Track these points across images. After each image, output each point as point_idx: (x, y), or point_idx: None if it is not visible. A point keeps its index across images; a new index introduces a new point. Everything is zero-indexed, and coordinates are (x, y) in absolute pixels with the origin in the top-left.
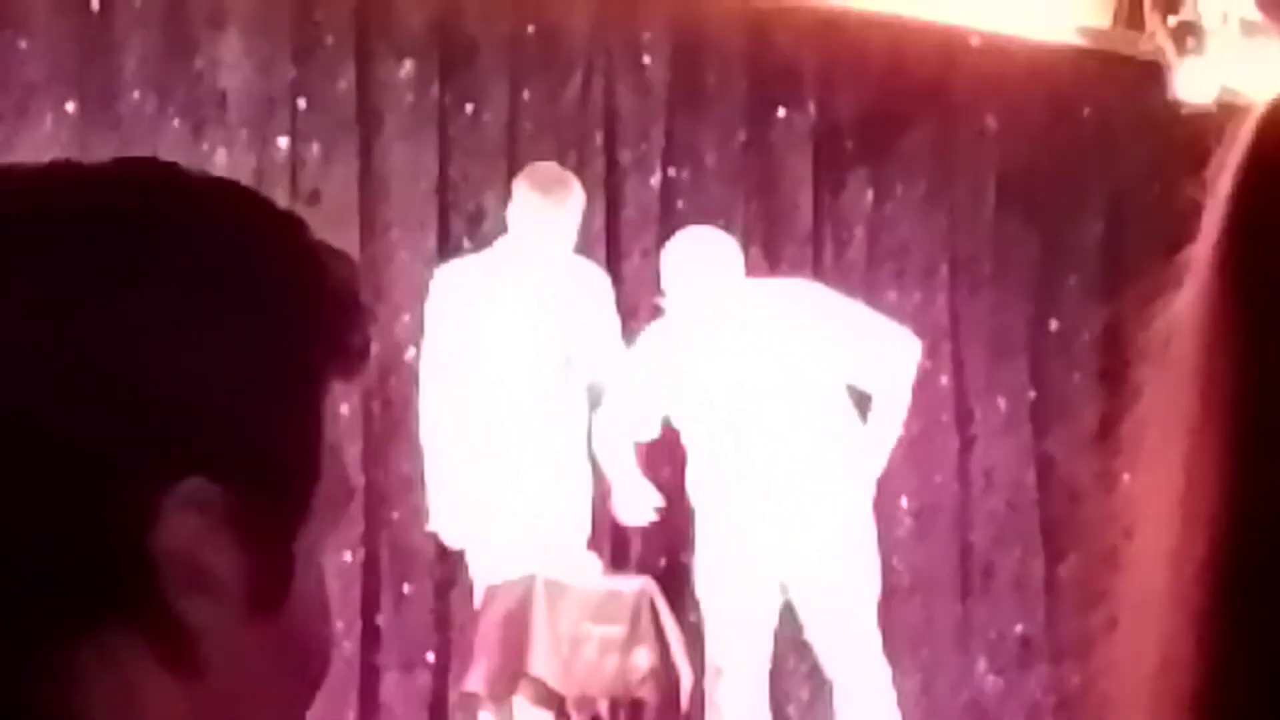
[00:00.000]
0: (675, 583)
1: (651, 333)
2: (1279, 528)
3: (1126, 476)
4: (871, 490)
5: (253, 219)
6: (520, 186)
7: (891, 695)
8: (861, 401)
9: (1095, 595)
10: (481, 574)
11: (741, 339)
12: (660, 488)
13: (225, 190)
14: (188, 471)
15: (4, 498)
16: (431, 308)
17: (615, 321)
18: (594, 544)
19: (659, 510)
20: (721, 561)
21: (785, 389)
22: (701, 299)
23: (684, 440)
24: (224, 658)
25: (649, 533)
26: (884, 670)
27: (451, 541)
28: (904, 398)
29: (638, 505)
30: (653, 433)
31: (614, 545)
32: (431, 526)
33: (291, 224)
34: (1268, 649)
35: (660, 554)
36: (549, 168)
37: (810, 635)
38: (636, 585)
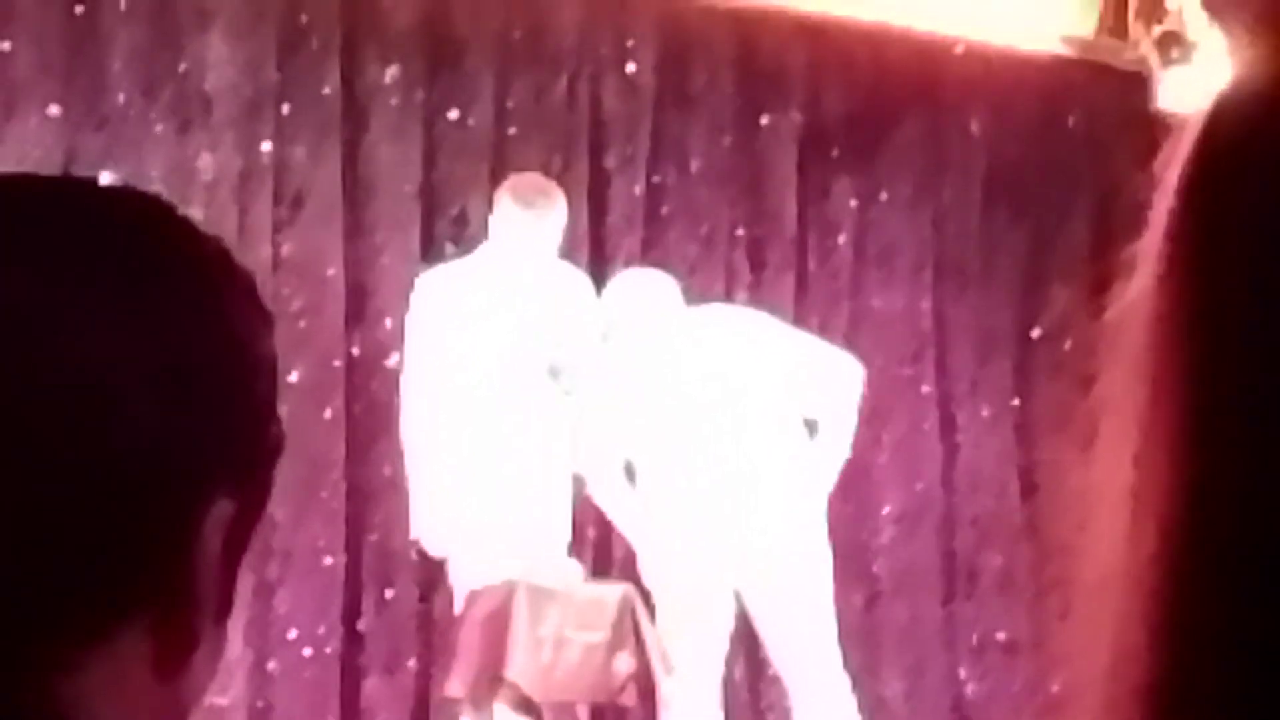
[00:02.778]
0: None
1: (604, 374)
2: (1230, 518)
3: (1079, 467)
4: (823, 505)
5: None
6: (503, 198)
7: (851, 703)
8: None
9: (1048, 586)
10: (463, 579)
11: (685, 368)
12: None
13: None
14: (223, 489)
15: (66, 494)
16: (414, 314)
17: (598, 325)
18: (576, 550)
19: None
20: (673, 563)
21: (732, 409)
22: (643, 333)
23: (638, 472)
24: (197, 665)
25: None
26: (841, 680)
27: (434, 550)
28: (849, 422)
29: (639, 530)
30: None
31: (596, 552)
32: (414, 534)
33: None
34: (1220, 639)
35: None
36: (532, 179)
37: (766, 645)
38: (618, 591)
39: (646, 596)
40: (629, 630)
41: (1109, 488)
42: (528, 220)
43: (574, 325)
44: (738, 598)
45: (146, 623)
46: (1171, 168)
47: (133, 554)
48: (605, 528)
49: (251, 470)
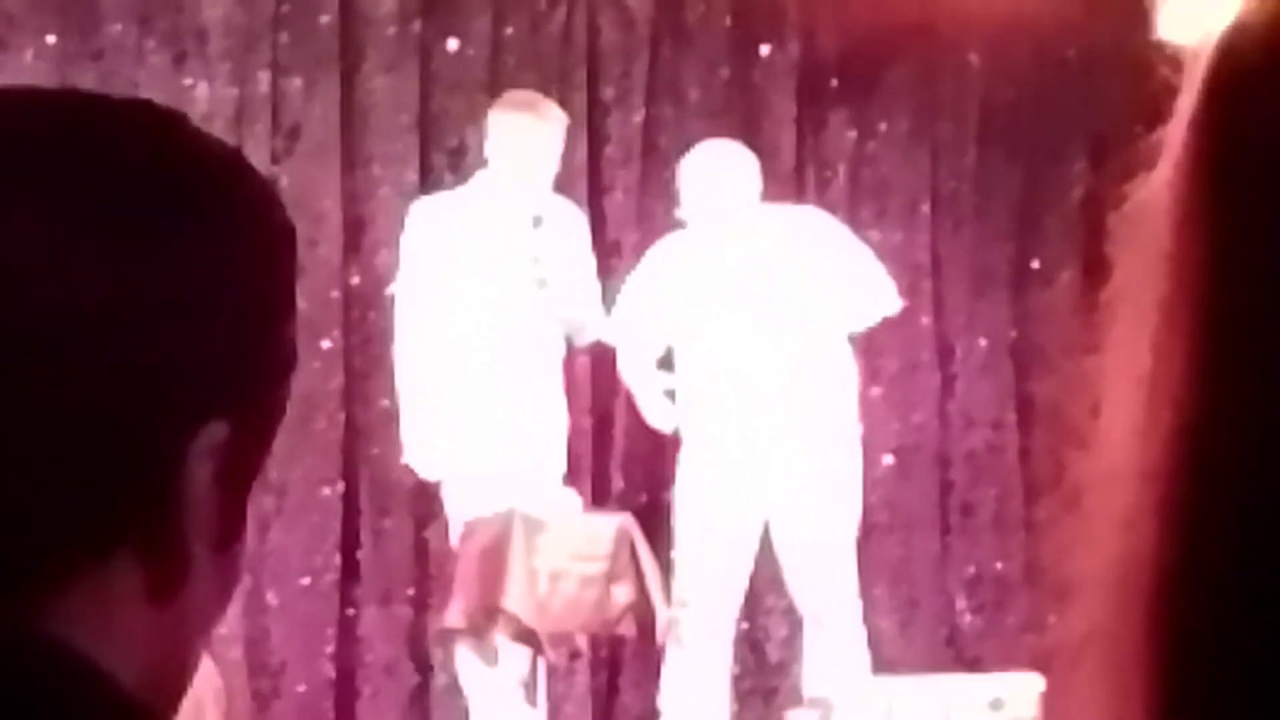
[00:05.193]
0: (654, 520)
1: (664, 246)
2: (1246, 409)
3: (1094, 354)
4: (858, 429)
5: (245, 181)
6: (498, 112)
7: (862, 633)
8: None
9: (1058, 472)
10: (458, 509)
11: (751, 264)
12: (642, 425)
13: (220, 151)
14: (212, 414)
15: (46, 420)
16: (407, 241)
17: (591, 260)
18: (573, 480)
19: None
20: (704, 493)
21: (785, 320)
22: (718, 216)
23: (678, 362)
24: (194, 593)
25: (628, 469)
26: (857, 607)
27: (426, 474)
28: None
29: (662, 414)
30: (660, 349)
31: (594, 482)
32: (406, 459)
33: (271, 189)
34: (1232, 529)
35: (640, 491)
36: (527, 94)
37: (786, 569)
38: (616, 521)
39: (643, 528)
40: (627, 561)
41: (1125, 373)
42: (526, 125)
43: (568, 256)
44: (764, 524)
45: (133, 549)
46: (1199, 55)
47: (111, 479)
48: (602, 458)
49: (248, 392)
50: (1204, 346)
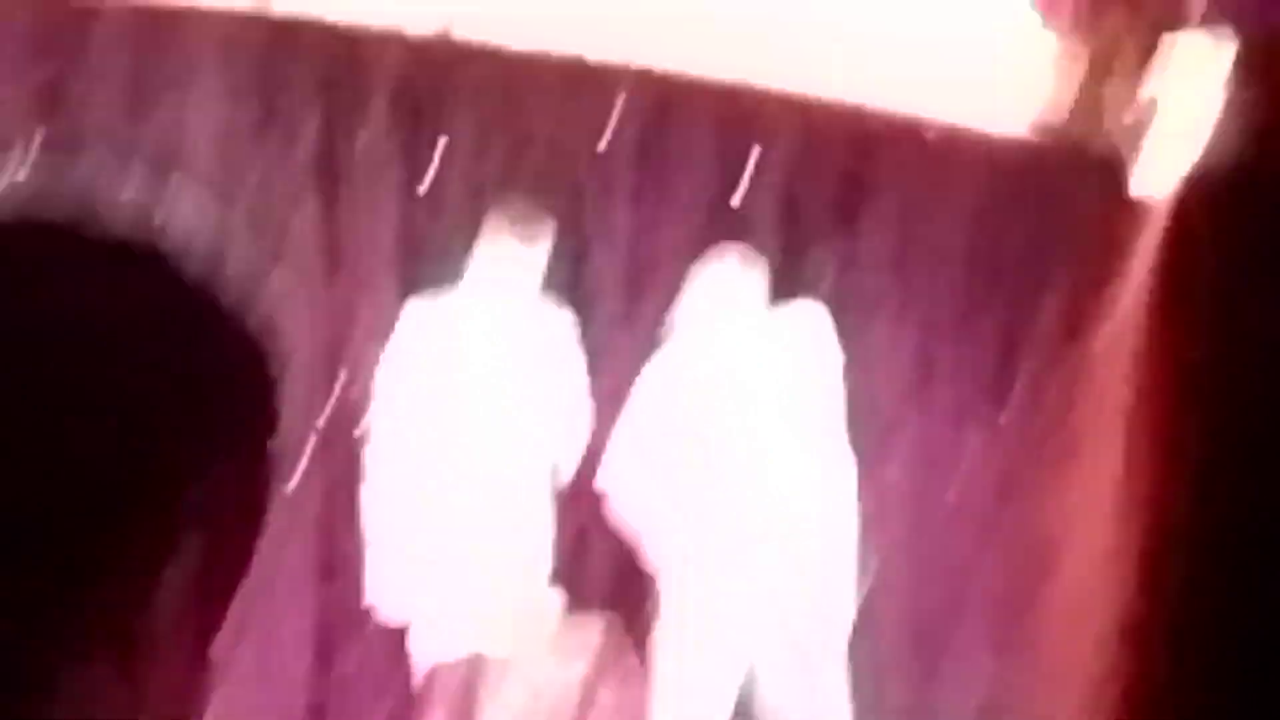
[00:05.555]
0: (636, 622)
1: (660, 361)
2: (1211, 537)
3: (1058, 482)
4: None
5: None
6: (491, 223)
7: None
8: None
9: (1027, 602)
10: (423, 649)
11: (747, 381)
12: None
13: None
14: (190, 526)
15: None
16: (392, 345)
17: (581, 361)
18: (556, 581)
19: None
20: (686, 627)
21: (781, 440)
22: (717, 332)
23: (660, 485)
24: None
25: (612, 571)
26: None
27: (391, 616)
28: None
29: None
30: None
31: (577, 584)
32: (369, 599)
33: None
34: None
35: (623, 592)
36: (521, 205)
37: (773, 682)
38: (599, 623)
39: (647, 619)
40: (612, 660)
41: (1090, 509)
42: (514, 246)
43: (556, 360)
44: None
45: (114, 652)
46: (1145, 238)
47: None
48: (586, 559)
49: (227, 509)
50: (1167, 478)
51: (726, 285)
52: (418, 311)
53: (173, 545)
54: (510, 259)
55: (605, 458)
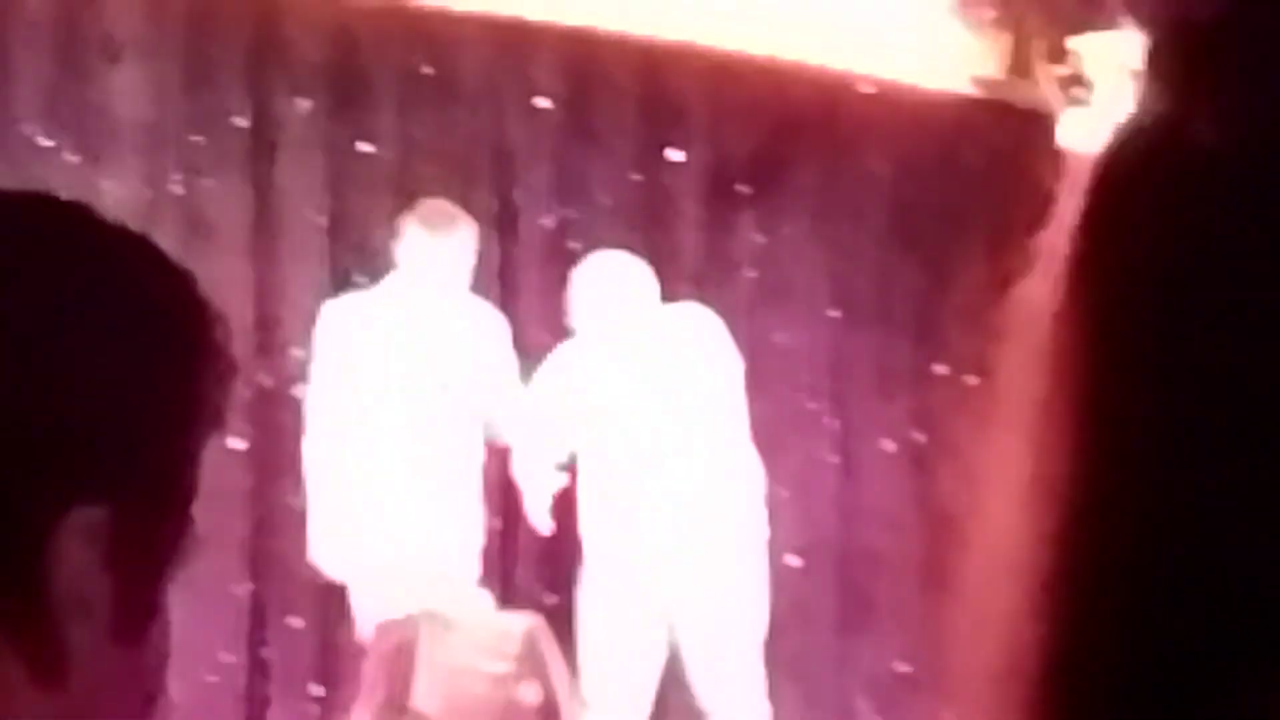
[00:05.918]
0: (564, 620)
1: (558, 356)
2: (1124, 507)
3: (976, 454)
4: (765, 531)
5: (153, 267)
6: (410, 224)
7: None
8: None
9: (945, 572)
10: (363, 608)
11: (646, 367)
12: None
13: (127, 236)
14: (82, 497)
15: None
16: (318, 341)
17: (512, 360)
18: (484, 580)
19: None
20: (607, 597)
21: (684, 419)
22: (610, 325)
23: (579, 467)
24: (87, 680)
25: (539, 569)
26: (763, 708)
27: (331, 573)
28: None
29: (543, 516)
30: (562, 456)
31: (503, 582)
32: (311, 557)
33: (186, 277)
34: (1109, 625)
35: (549, 591)
36: (439, 205)
37: (690, 670)
38: (526, 622)
39: (552, 628)
40: (536, 662)
41: (1005, 474)
42: (434, 245)
43: (487, 358)
44: (669, 627)
45: (5, 628)
46: (1081, 164)
47: None
48: (513, 557)
49: (131, 478)
50: (1083, 445)
51: (617, 282)
52: (340, 306)
53: (65, 515)
54: (428, 256)
55: (513, 414)
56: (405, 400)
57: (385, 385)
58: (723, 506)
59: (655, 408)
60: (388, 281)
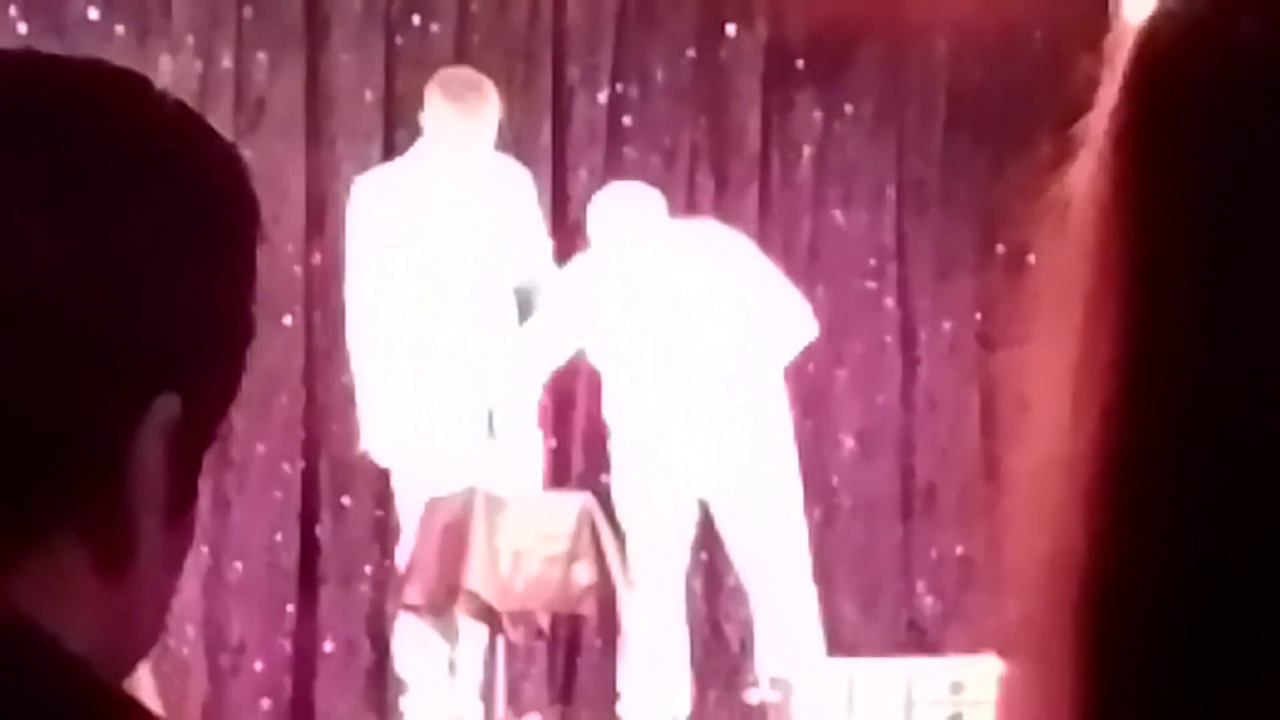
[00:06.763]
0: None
1: (576, 266)
2: (1170, 399)
3: (1023, 345)
4: (787, 412)
5: (207, 147)
6: (432, 94)
7: (815, 614)
8: None
9: (997, 461)
10: (407, 492)
11: (663, 280)
12: (591, 410)
13: (180, 114)
14: (164, 387)
15: None
16: (350, 219)
17: (539, 219)
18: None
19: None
20: (637, 480)
21: (703, 326)
22: (626, 245)
23: (600, 370)
24: (144, 565)
25: (589, 449)
26: (806, 587)
27: (382, 461)
28: (779, 369)
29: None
30: (562, 360)
31: (555, 461)
32: (363, 446)
33: (239, 165)
34: (1156, 520)
35: (601, 470)
36: (460, 73)
37: (730, 549)
38: (578, 501)
39: (603, 507)
40: (588, 541)
41: (1051, 366)
42: (458, 115)
43: (515, 218)
44: (703, 508)
45: (80, 525)
46: (1120, 46)
47: (56, 455)
48: (565, 437)
49: (203, 366)
50: (1129, 335)
51: (629, 204)
52: (370, 182)
53: (146, 409)
54: (455, 123)
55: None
56: (441, 270)
57: (420, 257)
58: (747, 382)
59: (671, 314)
60: (413, 151)
